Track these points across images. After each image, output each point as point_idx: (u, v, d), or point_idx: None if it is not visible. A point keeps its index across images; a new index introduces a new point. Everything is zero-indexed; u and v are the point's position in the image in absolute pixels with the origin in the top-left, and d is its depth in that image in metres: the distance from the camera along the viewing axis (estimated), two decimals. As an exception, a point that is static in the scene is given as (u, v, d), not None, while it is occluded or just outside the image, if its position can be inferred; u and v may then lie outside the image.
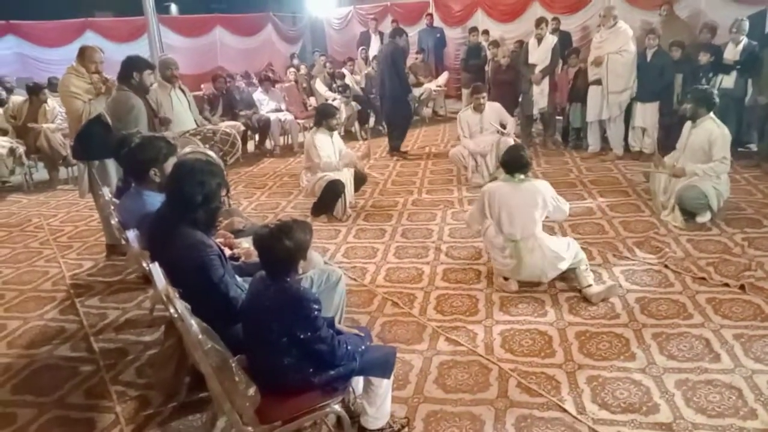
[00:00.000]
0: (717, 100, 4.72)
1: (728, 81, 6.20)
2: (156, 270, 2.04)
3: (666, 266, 3.99)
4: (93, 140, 4.47)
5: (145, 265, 2.43)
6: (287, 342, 2.13)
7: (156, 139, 3.30)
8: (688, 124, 4.85)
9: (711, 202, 4.57)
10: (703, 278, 3.77)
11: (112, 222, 3.40)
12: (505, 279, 3.86)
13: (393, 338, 3.35)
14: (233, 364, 1.94)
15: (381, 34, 11.72)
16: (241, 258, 3.02)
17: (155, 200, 2.83)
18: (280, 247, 2.14)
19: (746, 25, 6.09)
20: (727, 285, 3.65)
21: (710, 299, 3.51)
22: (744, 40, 6.10)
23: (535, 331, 3.32)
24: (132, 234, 2.69)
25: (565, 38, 8.18)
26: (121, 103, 4.54)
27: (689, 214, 4.69)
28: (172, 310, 1.91)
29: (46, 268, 4.78)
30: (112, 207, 3.47)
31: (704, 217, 4.66)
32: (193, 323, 1.88)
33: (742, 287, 3.60)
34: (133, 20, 11.41)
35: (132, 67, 4.61)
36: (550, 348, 3.14)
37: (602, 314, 3.44)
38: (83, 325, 3.74)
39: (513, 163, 3.80)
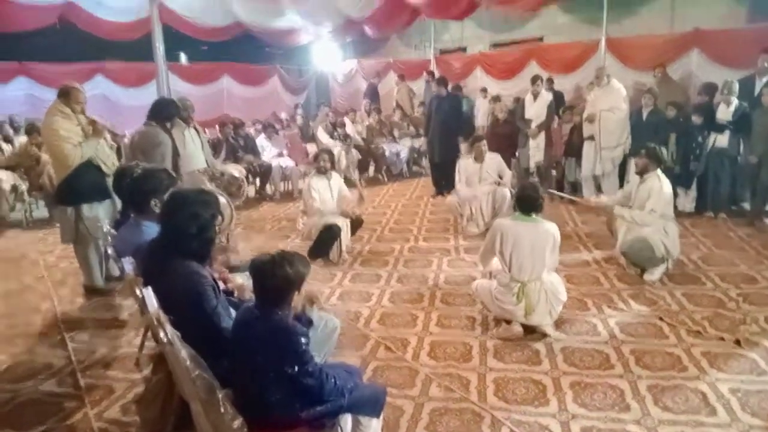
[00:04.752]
0: (667, 159, 4.81)
1: (722, 140, 6.34)
2: (149, 294, 2.03)
3: (661, 318, 3.97)
4: (86, 183, 4.55)
5: (137, 291, 2.43)
6: (274, 377, 2.10)
7: (157, 170, 3.36)
8: (636, 178, 4.92)
9: (656, 253, 4.58)
10: (698, 332, 3.75)
11: (109, 251, 3.40)
12: (507, 322, 3.83)
13: (385, 383, 3.29)
14: (220, 395, 1.91)
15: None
16: (234, 293, 3.01)
17: (154, 231, 2.83)
18: (280, 274, 2.13)
19: (736, 86, 6.27)
20: (722, 339, 3.64)
21: (705, 353, 3.48)
22: (735, 101, 6.28)
23: (529, 380, 3.27)
24: (128, 262, 2.69)
25: (558, 97, 8.47)
26: (150, 138, 4.75)
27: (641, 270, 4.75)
28: (161, 335, 1.89)
29: (38, 303, 4.74)
30: (109, 238, 3.49)
31: (652, 275, 4.67)
32: (182, 349, 1.86)
33: (737, 341, 3.58)
34: (142, 66, 11.64)
35: (168, 108, 5.06)
36: (544, 397, 3.10)
37: (597, 365, 3.41)
38: (71, 361, 3.69)
39: (530, 203, 3.78)
